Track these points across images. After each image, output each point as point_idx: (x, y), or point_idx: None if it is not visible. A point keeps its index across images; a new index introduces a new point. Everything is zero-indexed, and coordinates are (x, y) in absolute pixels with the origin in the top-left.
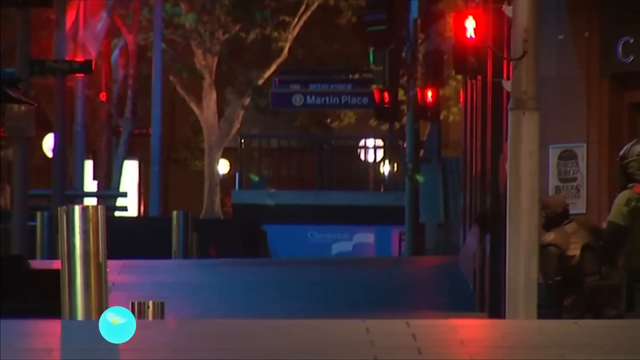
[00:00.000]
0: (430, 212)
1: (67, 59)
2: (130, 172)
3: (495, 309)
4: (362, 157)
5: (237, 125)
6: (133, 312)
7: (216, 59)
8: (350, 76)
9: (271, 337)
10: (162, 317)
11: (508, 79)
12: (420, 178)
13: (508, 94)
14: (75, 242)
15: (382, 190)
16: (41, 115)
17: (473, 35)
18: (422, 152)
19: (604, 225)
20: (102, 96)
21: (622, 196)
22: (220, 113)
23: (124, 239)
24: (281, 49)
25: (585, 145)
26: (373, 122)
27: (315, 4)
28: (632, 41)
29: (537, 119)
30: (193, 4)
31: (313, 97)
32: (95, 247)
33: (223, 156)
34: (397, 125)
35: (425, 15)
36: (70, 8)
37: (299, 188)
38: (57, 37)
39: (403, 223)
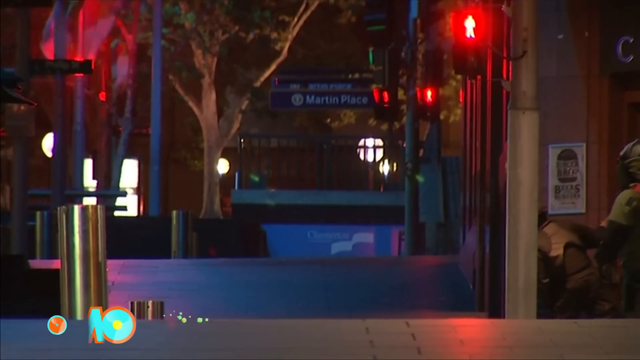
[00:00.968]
0: (430, 211)
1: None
2: (129, 172)
3: (494, 308)
4: (362, 157)
5: (236, 125)
6: (133, 311)
7: (215, 58)
8: (350, 76)
9: (271, 336)
10: (162, 316)
11: (508, 78)
12: (420, 178)
13: (508, 93)
14: (74, 242)
15: (381, 190)
16: (41, 115)
17: (473, 35)
18: (421, 151)
19: (604, 224)
20: (102, 96)
21: (623, 195)
22: (220, 113)
23: (124, 239)
24: (281, 49)
25: (584, 145)
26: (373, 121)
27: (315, 4)
28: (631, 41)
29: (537, 119)
30: (192, 3)
31: (312, 97)
32: (95, 247)
33: (222, 156)
34: (396, 125)
35: (425, 14)
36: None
37: (299, 188)
38: (57, 37)
39: (403, 223)
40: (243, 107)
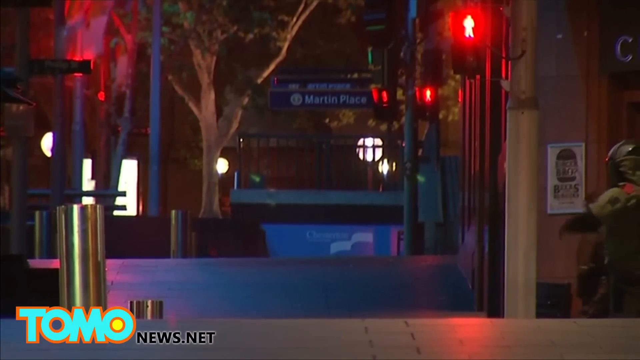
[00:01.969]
0: (429, 211)
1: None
2: (129, 172)
3: (493, 308)
4: (361, 156)
5: (235, 125)
6: (132, 311)
7: (215, 58)
8: (349, 75)
9: (270, 336)
10: (161, 316)
11: (507, 78)
12: (419, 177)
13: (507, 93)
14: (74, 242)
15: (380, 189)
16: (40, 115)
17: (472, 35)
18: (420, 151)
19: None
20: (101, 95)
21: (610, 193)
22: (219, 112)
23: (123, 238)
24: (280, 49)
25: (584, 144)
26: (372, 121)
27: (314, 4)
28: (630, 40)
29: (536, 119)
30: (191, 3)
31: (312, 97)
32: (94, 246)
33: (222, 155)
34: (395, 124)
35: (424, 14)
36: (73, 8)
37: (298, 187)
38: (57, 37)
39: (402, 222)
40: (244, 104)
